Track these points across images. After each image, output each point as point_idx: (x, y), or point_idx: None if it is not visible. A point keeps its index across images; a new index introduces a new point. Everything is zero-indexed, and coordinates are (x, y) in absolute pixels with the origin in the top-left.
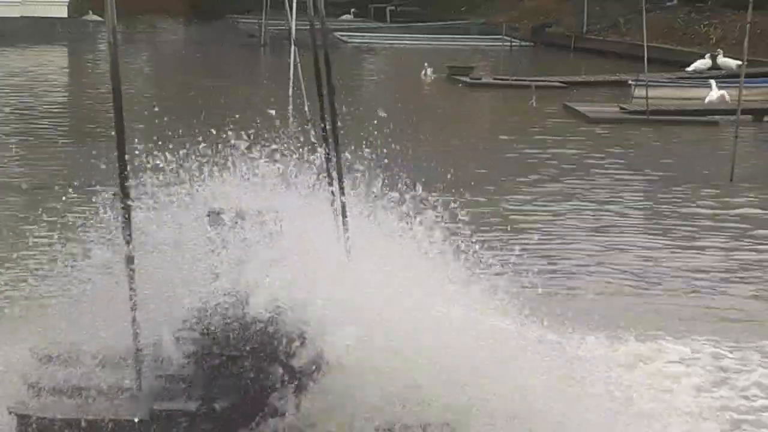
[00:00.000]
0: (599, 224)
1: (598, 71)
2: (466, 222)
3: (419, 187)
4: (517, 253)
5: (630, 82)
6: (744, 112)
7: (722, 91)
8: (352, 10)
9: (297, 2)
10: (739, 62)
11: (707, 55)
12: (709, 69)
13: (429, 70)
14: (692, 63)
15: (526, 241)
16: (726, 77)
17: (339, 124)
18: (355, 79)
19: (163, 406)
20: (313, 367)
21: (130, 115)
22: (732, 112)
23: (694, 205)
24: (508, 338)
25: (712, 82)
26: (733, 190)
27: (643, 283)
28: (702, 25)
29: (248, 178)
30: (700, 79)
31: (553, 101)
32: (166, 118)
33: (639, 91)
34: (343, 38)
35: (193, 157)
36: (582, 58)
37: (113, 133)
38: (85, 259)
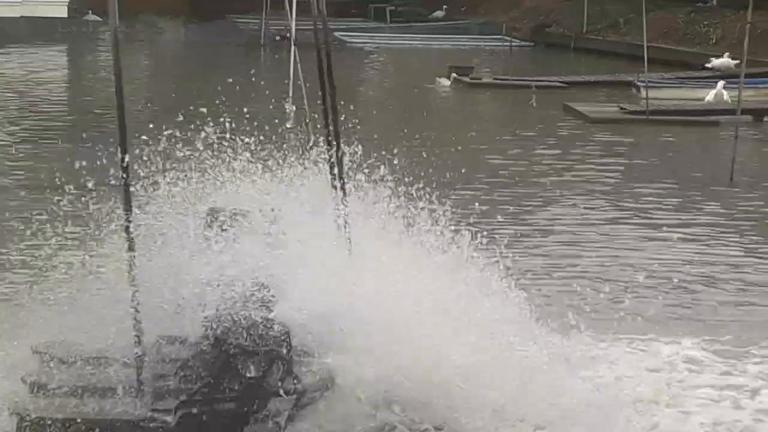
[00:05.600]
0: (598, 224)
1: (598, 71)
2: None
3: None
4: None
5: (636, 82)
6: (744, 112)
7: (725, 92)
8: (444, 6)
9: (298, 2)
10: (738, 62)
11: (725, 54)
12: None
13: (446, 81)
14: (706, 63)
15: (526, 240)
16: (726, 77)
17: (340, 121)
18: (356, 78)
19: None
20: None
21: (131, 114)
22: (732, 112)
23: (694, 205)
24: None
25: (722, 82)
26: (733, 190)
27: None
28: (702, 25)
29: (246, 179)
30: (703, 79)
31: (553, 101)
32: (167, 117)
33: (645, 92)
34: (344, 38)
35: (193, 155)
36: (582, 58)
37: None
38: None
